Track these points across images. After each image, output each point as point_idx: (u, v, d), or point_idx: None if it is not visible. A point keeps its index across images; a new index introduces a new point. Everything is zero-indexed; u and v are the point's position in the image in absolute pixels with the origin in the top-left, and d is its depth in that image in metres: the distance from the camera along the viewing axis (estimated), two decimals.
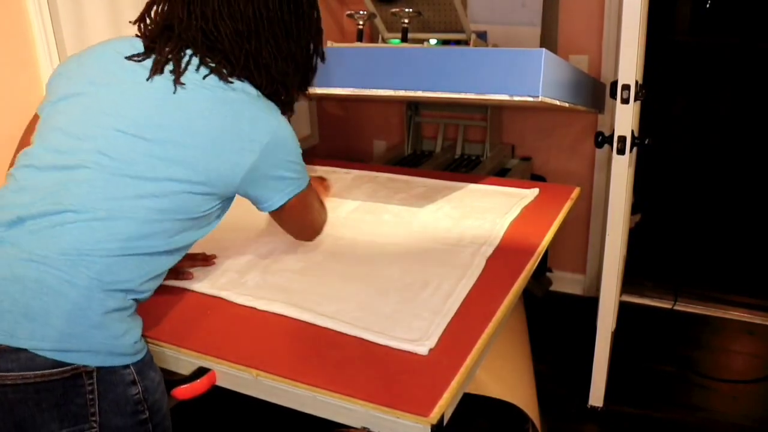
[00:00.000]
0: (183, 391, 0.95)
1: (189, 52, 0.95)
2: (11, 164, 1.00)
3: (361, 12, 1.98)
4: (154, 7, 0.99)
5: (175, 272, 1.15)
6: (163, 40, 0.95)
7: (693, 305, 2.58)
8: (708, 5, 4.15)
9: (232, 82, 0.95)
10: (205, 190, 0.95)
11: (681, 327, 2.47)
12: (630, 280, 2.65)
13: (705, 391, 2.08)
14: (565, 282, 2.78)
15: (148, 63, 0.94)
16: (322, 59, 1.09)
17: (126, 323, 0.89)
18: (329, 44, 2.07)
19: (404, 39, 1.93)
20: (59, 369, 0.83)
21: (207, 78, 0.93)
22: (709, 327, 2.47)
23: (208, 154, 0.92)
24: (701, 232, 3.24)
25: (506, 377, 1.53)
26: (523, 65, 1.10)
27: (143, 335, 0.94)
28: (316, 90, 1.31)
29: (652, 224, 3.26)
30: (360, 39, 2.01)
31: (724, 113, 3.94)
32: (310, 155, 2.64)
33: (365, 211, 1.50)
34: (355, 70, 1.26)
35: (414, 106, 2.72)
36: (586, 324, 2.12)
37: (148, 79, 0.92)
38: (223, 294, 1.12)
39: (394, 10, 1.96)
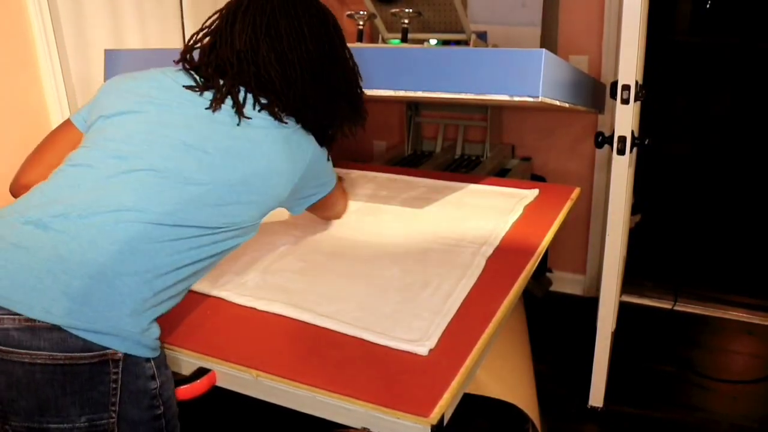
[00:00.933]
0: (183, 392, 0.95)
1: (243, 89, 1.03)
2: (31, 163, 1.07)
3: (361, 12, 1.98)
4: (200, 49, 1.09)
5: None
6: (217, 78, 1.03)
7: (693, 305, 2.58)
8: (708, 5, 4.15)
9: (285, 121, 1.05)
10: (256, 201, 1.02)
11: (681, 327, 2.47)
12: (630, 280, 2.65)
13: (705, 391, 2.08)
14: (565, 282, 2.78)
15: (208, 95, 1.02)
16: (361, 92, 1.19)
17: (153, 319, 0.92)
18: None
19: (404, 39, 1.93)
20: (89, 353, 0.84)
21: (262, 113, 1.03)
22: (709, 327, 2.47)
23: (266, 178, 1.02)
24: (701, 232, 3.24)
25: (506, 377, 1.53)
26: (523, 65, 1.10)
27: None
28: None
29: (652, 224, 3.26)
30: (360, 39, 2.01)
31: (724, 113, 3.95)
32: None
33: (366, 212, 1.50)
34: None
35: (414, 106, 2.72)
36: (586, 324, 2.12)
37: (208, 108, 1.00)
38: (223, 294, 1.12)
39: (394, 10, 1.96)
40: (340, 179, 1.49)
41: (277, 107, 1.04)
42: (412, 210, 1.51)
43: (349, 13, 2.01)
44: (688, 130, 4.04)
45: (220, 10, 1.11)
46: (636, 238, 2.89)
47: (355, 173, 1.80)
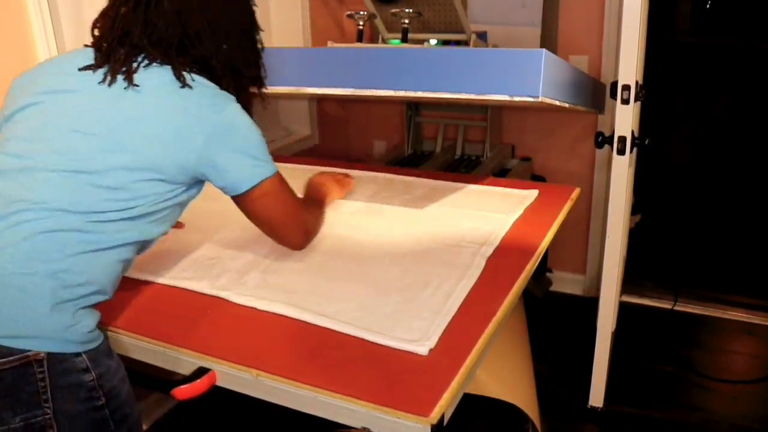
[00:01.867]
0: (183, 391, 0.95)
1: (142, 56, 1.01)
2: None
3: (361, 12, 1.98)
4: (106, 19, 1.05)
5: None
6: (118, 48, 1.01)
7: (693, 305, 2.58)
8: (708, 5, 4.15)
9: (183, 78, 1.00)
10: (160, 177, 0.98)
11: (681, 327, 2.47)
12: (630, 280, 2.65)
13: (705, 391, 2.08)
14: (565, 282, 2.78)
15: (102, 70, 1.00)
16: (259, 47, 1.16)
17: (79, 314, 0.92)
18: (329, 44, 2.07)
19: (404, 39, 1.93)
20: (8, 358, 0.85)
21: (159, 77, 0.99)
22: (709, 327, 2.47)
23: (160, 142, 0.97)
24: (701, 232, 3.24)
25: (506, 377, 1.53)
26: (523, 65, 1.10)
27: (104, 327, 0.98)
28: (317, 90, 1.32)
29: (652, 224, 3.26)
30: (360, 39, 2.01)
31: (724, 113, 3.94)
32: (310, 155, 2.65)
33: (366, 212, 1.50)
34: (355, 70, 1.26)
35: (414, 106, 2.72)
36: (586, 324, 2.12)
37: (101, 83, 0.98)
38: (223, 294, 1.12)
39: (394, 10, 1.96)
40: (338, 186, 1.53)
41: (176, 69, 1.01)
42: (412, 210, 1.51)
43: (349, 13, 2.01)
44: (688, 130, 4.04)
45: None
46: (636, 238, 2.89)
47: (356, 173, 1.80)
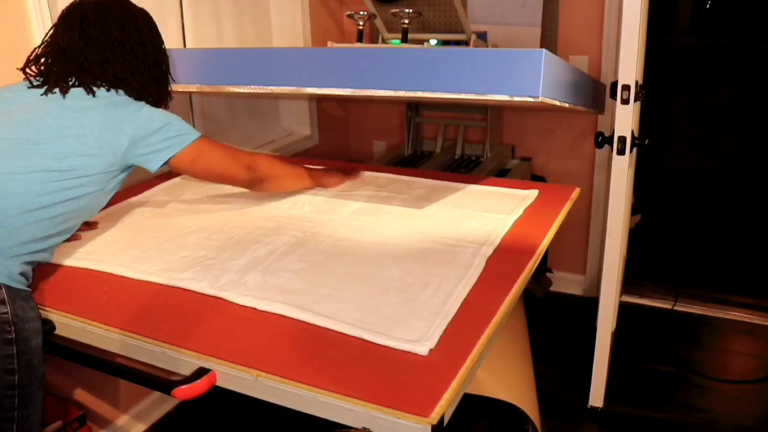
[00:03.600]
0: (183, 392, 0.95)
1: (72, 79, 1.28)
2: None
3: (362, 12, 1.98)
4: (38, 56, 1.33)
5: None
6: (51, 74, 1.28)
7: (693, 305, 2.58)
8: (708, 5, 4.15)
9: (107, 91, 1.29)
10: (92, 152, 1.21)
11: (681, 327, 2.47)
12: (630, 281, 2.65)
13: (705, 391, 2.08)
14: (565, 282, 2.78)
15: (39, 91, 1.27)
16: (167, 72, 1.43)
17: (11, 259, 1.10)
18: (329, 44, 2.07)
19: (404, 39, 1.93)
20: None
21: (84, 92, 1.26)
22: (709, 327, 2.47)
23: (99, 135, 1.22)
24: (701, 232, 3.24)
25: (506, 377, 1.53)
26: (523, 66, 1.10)
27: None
28: (316, 90, 1.32)
29: (652, 224, 3.26)
30: (360, 39, 2.01)
31: (724, 113, 3.94)
32: (311, 155, 2.65)
33: (366, 212, 1.51)
34: (355, 70, 1.26)
35: (414, 106, 2.72)
36: (586, 324, 2.12)
37: (43, 95, 1.25)
38: (223, 294, 1.12)
39: (394, 10, 1.96)
40: (336, 180, 1.68)
41: (95, 83, 1.28)
42: (412, 210, 1.51)
43: (349, 13, 2.01)
44: (688, 130, 4.04)
45: (53, 26, 1.35)
46: (636, 238, 2.89)
47: None
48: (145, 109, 1.29)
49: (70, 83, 1.28)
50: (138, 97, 1.33)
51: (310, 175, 1.60)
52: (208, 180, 1.45)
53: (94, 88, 1.28)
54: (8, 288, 1.07)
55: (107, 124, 1.24)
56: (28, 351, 1.08)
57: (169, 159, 1.29)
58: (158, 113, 1.30)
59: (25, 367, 1.08)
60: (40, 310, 1.14)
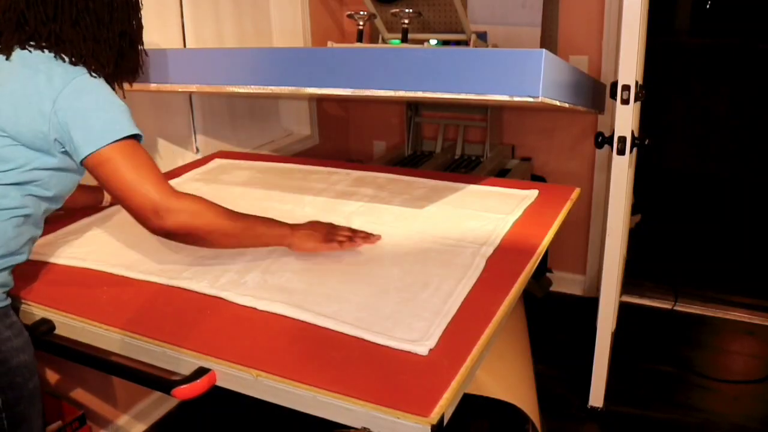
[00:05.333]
0: (183, 391, 0.95)
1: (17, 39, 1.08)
2: None
3: (362, 12, 1.98)
4: None
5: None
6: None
7: (693, 305, 2.58)
8: (708, 5, 4.15)
9: (41, 51, 1.07)
10: (20, 142, 1.04)
11: (681, 327, 2.47)
12: (630, 281, 2.65)
13: (705, 391, 2.08)
14: (565, 282, 2.78)
15: None
16: (133, 48, 1.20)
17: None
18: (329, 44, 2.07)
19: (404, 39, 1.93)
20: None
21: (15, 53, 1.07)
22: (709, 327, 2.47)
23: (14, 109, 1.03)
24: (701, 232, 3.24)
25: (506, 377, 1.53)
26: (523, 66, 1.10)
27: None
28: (316, 90, 1.32)
29: (652, 224, 3.26)
30: (360, 39, 2.01)
31: (724, 113, 3.95)
32: (311, 155, 2.65)
33: (366, 212, 1.50)
34: (355, 71, 1.26)
35: (414, 106, 2.72)
36: (586, 324, 2.12)
37: None
38: (223, 294, 1.12)
39: (394, 10, 1.96)
40: (326, 243, 1.26)
41: (33, 46, 1.07)
42: (412, 210, 1.51)
43: (349, 13, 2.01)
44: (688, 130, 4.04)
45: None
46: (636, 238, 2.89)
47: (355, 173, 1.80)
48: (81, 79, 1.05)
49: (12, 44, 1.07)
50: (87, 67, 1.10)
51: (271, 231, 1.21)
52: (105, 190, 1.20)
53: (19, 49, 1.07)
54: None
55: (29, 95, 1.03)
56: (8, 372, 1.02)
57: (92, 152, 1.03)
58: (95, 88, 1.07)
59: (8, 387, 1.02)
60: (40, 310, 1.14)
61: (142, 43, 1.23)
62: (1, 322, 1.03)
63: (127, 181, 1.04)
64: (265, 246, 1.24)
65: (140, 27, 1.22)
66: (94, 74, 1.08)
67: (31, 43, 1.08)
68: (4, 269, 1.06)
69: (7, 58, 1.07)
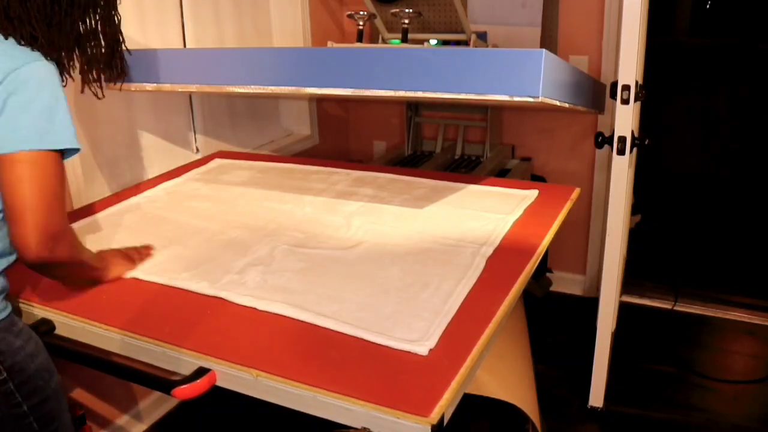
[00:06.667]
0: (183, 391, 0.95)
1: None
2: None
3: (362, 12, 1.98)
4: None
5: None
6: None
7: (693, 305, 2.58)
8: (708, 5, 4.15)
9: None
10: None
11: (681, 327, 2.47)
12: (630, 281, 2.65)
13: (705, 391, 2.08)
14: (565, 282, 2.78)
15: None
16: (111, 44, 1.11)
17: None
18: (329, 44, 2.07)
19: (404, 39, 1.93)
20: None
21: None
22: (709, 327, 2.47)
23: None
24: (701, 233, 3.24)
25: (506, 377, 1.54)
26: (523, 66, 1.10)
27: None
28: (316, 90, 1.32)
29: (652, 224, 3.26)
30: (360, 39, 2.01)
31: (724, 113, 3.94)
32: (311, 155, 2.65)
33: (366, 212, 1.51)
34: (355, 71, 1.26)
35: (414, 106, 2.72)
36: (586, 324, 2.12)
37: None
38: (223, 294, 1.12)
39: (394, 10, 1.96)
40: (123, 261, 1.23)
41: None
42: (412, 210, 1.51)
43: (349, 13, 2.01)
44: (688, 130, 4.04)
45: None
46: (636, 238, 2.89)
47: (355, 173, 1.80)
48: (30, 67, 0.94)
49: None
50: (42, 52, 0.99)
51: (89, 272, 1.15)
52: (8, 202, 0.95)
53: None
54: None
55: None
56: (28, 379, 1.00)
57: (9, 152, 0.92)
58: (42, 80, 0.95)
59: (32, 393, 1.01)
60: (40, 310, 1.14)
61: (119, 39, 1.14)
62: (8, 333, 1.00)
63: (28, 198, 0.93)
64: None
65: (110, 19, 1.11)
66: (50, 62, 0.98)
67: None
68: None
69: None
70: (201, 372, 0.96)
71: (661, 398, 2.05)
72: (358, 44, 2.00)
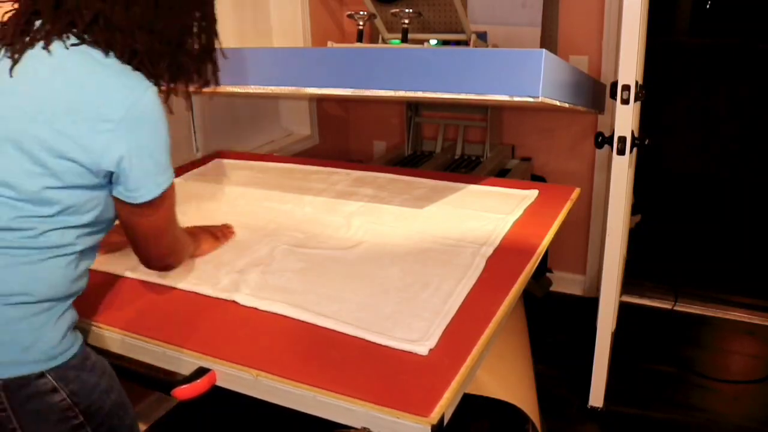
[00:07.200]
0: (183, 391, 0.95)
1: (38, 22, 0.86)
2: None
3: (362, 12, 1.98)
4: None
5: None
6: (18, 12, 0.88)
7: (693, 305, 2.58)
8: (708, 5, 4.15)
9: (76, 44, 0.84)
10: (74, 180, 0.85)
11: (681, 327, 2.47)
12: (630, 281, 2.65)
13: (705, 391, 2.08)
14: (565, 282, 2.78)
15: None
16: (207, 48, 0.98)
17: (38, 331, 0.83)
18: (329, 44, 2.07)
19: (404, 39, 1.93)
20: None
21: (50, 45, 0.84)
22: (709, 327, 2.47)
23: (60, 138, 0.82)
24: (701, 233, 3.24)
25: (506, 377, 1.53)
26: (523, 66, 1.10)
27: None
28: (317, 90, 1.32)
29: (652, 224, 3.26)
30: (360, 39, 2.01)
31: (724, 113, 3.94)
32: (310, 155, 2.65)
33: (366, 212, 1.50)
34: (355, 71, 1.26)
35: (414, 106, 2.72)
36: (586, 324, 2.12)
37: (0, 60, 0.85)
38: (224, 294, 1.12)
39: (394, 10, 1.96)
40: (211, 238, 1.30)
41: (69, 32, 0.85)
42: (412, 210, 1.51)
43: (349, 13, 2.01)
44: (688, 130, 4.04)
45: None
46: (636, 238, 2.89)
47: (355, 173, 1.80)
48: (144, 96, 0.85)
49: (30, 30, 0.85)
50: (126, 61, 0.87)
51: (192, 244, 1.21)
52: (127, 231, 0.99)
53: (60, 41, 0.84)
54: (55, 370, 0.83)
55: (74, 119, 0.82)
56: (105, 419, 0.90)
57: (149, 200, 0.91)
58: (157, 110, 0.87)
59: (111, 430, 0.92)
60: None
61: (217, 38, 1.00)
62: (82, 369, 0.88)
63: (161, 227, 0.98)
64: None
65: (211, 18, 0.98)
66: (151, 81, 0.88)
67: (73, 30, 0.85)
68: (70, 308, 0.91)
69: (58, 51, 0.84)
70: (201, 372, 0.96)
71: (661, 398, 2.05)
72: (358, 44, 2.00)
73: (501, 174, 2.47)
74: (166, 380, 0.96)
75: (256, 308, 1.08)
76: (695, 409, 1.99)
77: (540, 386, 1.71)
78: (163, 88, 0.93)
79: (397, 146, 2.90)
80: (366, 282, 1.16)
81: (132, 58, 0.88)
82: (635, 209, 2.86)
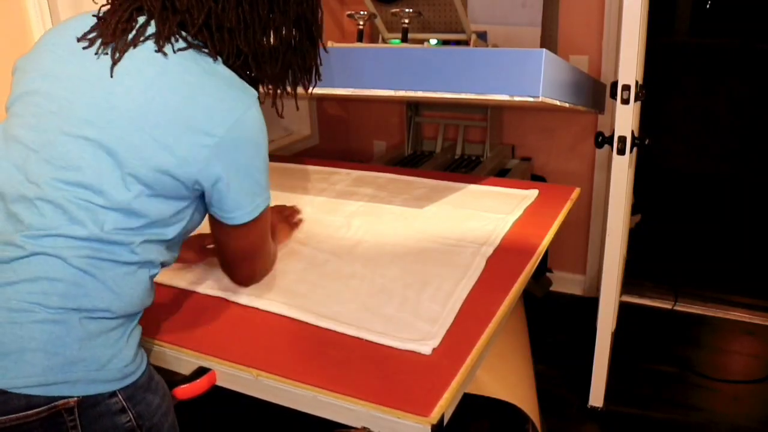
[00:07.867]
0: (183, 391, 0.95)
1: (141, 19, 0.82)
2: None
3: (362, 12, 1.98)
4: None
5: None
6: (118, 7, 0.84)
7: (693, 305, 2.58)
8: (708, 5, 4.15)
9: (183, 49, 0.81)
10: (164, 193, 0.83)
11: (681, 327, 2.47)
12: (630, 280, 2.65)
13: (705, 391, 2.08)
14: (565, 282, 2.78)
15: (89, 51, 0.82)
16: (312, 44, 0.94)
17: (113, 347, 0.81)
18: (329, 44, 2.07)
19: (404, 39, 1.93)
20: (35, 410, 0.74)
21: (158, 47, 0.80)
22: (709, 327, 2.47)
23: (156, 147, 0.79)
24: (701, 233, 3.24)
25: (506, 377, 1.53)
26: (524, 65, 1.10)
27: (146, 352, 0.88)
28: (316, 90, 1.32)
29: (652, 224, 3.26)
30: (360, 39, 2.01)
31: (724, 113, 3.95)
32: (310, 155, 2.65)
33: (366, 212, 1.50)
34: (355, 70, 1.27)
35: (414, 106, 2.72)
36: (586, 324, 2.12)
37: (97, 57, 0.81)
38: (224, 294, 1.12)
39: (394, 10, 1.96)
40: (287, 228, 1.33)
41: (179, 33, 0.82)
42: (412, 210, 1.51)
43: (349, 13, 2.01)
44: (688, 130, 4.04)
45: None
46: (636, 238, 2.89)
47: (355, 173, 1.80)
48: (248, 113, 0.82)
49: (135, 28, 0.81)
50: (234, 65, 0.84)
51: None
52: (223, 250, 0.99)
53: (169, 44, 0.80)
54: (125, 390, 0.81)
55: (176, 130, 0.79)
56: None
57: (246, 222, 0.90)
58: (261, 128, 0.85)
59: None
60: None
61: (320, 35, 0.95)
62: (148, 388, 0.85)
63: (255, 247, 0.99)
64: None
65: (316, 11, 0.93)
66: (254, 91, 0.84)
67: (182, 33, 0.82)
68: (137, 324, 0.88)
69: (164, 55, 0.80)
70: (201, 372, 0.96)
71: (661, 398, 2.05)
72: (358, 44, 2.00)
73: (501, 174, 2.47)
74: (166, 380, 0.96)
75: (255, 308, 1.08)
76: (695, 409, 1.99)
77: (540, 386, 1.71)
78: (270, 91, 0.91)
79: (397, 146, 2.90)
80: (367, 282, 1.16)
81: (242, 62, 0.85)
82: (635, 209, 2.86)
